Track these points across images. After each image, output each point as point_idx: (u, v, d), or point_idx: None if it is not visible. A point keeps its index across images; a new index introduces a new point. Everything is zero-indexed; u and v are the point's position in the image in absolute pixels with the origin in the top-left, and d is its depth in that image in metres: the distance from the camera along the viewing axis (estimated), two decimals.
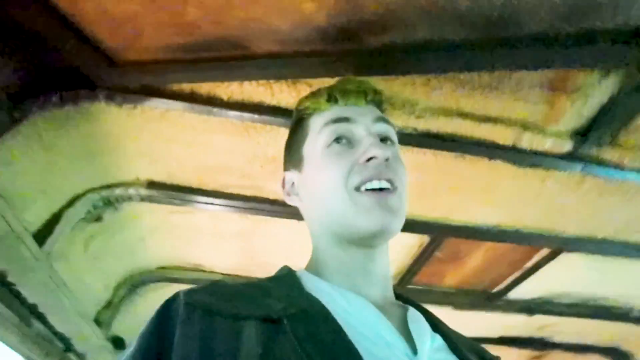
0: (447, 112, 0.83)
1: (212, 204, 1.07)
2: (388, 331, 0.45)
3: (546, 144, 0.89)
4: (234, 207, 1.08)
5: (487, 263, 1.40)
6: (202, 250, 1.35)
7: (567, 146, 0.89)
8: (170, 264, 1.43)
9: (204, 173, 1.01)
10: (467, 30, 0.66)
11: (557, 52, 0.69)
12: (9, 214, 0.70)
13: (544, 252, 1.30)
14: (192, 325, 0.41)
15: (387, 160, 0.52)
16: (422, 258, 1.31)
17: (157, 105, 0.82)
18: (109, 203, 1.03)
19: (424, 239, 1.26)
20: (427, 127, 0.86)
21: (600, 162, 0.93)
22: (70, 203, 0.92)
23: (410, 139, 0.87)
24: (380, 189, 0.51)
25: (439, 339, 0.49)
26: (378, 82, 0.78)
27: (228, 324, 0.41)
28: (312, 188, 0.57)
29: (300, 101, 0.62)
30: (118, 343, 1.41)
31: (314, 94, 0.61)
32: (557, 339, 1.90)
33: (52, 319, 0.92)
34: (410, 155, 0.91)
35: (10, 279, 0.74)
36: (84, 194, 0.95)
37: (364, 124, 0.55)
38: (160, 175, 1.02)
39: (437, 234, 1.19)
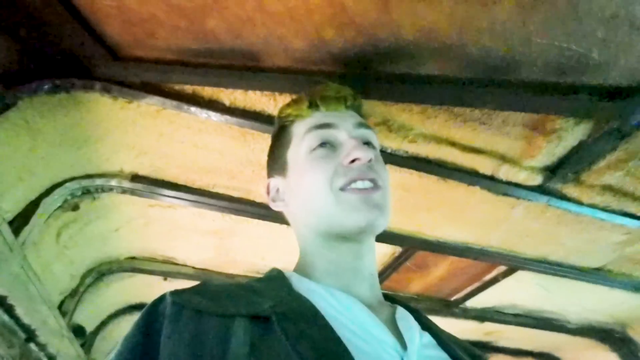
0: (438, 140, 0.88)
1: (196, 201, 1.06)
2: (377, 328, 0.45)
3: (520, 177, 0.97)
4: (217, 206, 1.08)
5: (450, 274, 1.50)
6: (177, 244, 1.33)
7: (537, 180, 0.98)
8: (140, 255, 1.40)
9: (192, 171, 1.00)
10: (468, 70, 0.71)
11: (544, 99, 0.76)
12: None
13: (502, 268, 1.42)
14: (180, 324, 0.40)
15: (369, 161, 0.53)
16: (393, 266, 1.37)
17: (154, 102, 0.80)
18: (87, 192, 1.00)
19: (397, 249, 1.32)
20: (417, 151, 0.91)
21: (563, 197, 1.02)
22: (49, 191, 0.88)
23: (400, 160, 0.92)
24: (365, 189, 0.52)
25: (427, 336, 0.49)
26: (378, 106, 0.82)
27: (216, 323, 0.40)
28: (298, 192, 0.57)
29: (282, 109, 0.62)
30: (78, 332, 1.36)
31: (295, 102, 0.61)
32: (501, 344, 2.07)
33: (20, 310, 0.88)
34: (398, 175, 0.96)
35: None
36: (63, 183, 0.91)
37: (345, 129, 0.56)
38: (146, 169, 0.99)
39: (410, 246, 1.26)
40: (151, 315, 0.42)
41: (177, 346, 0.38)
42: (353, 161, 0.53)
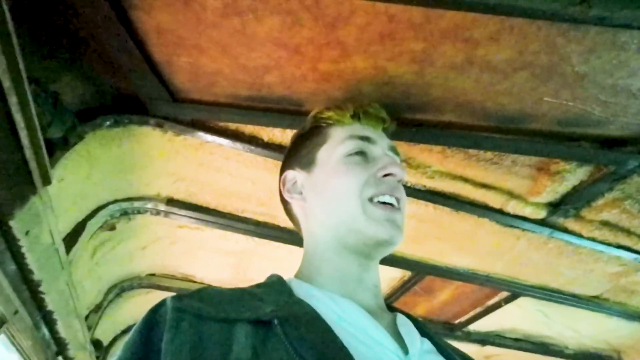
0: (453, 176, 0.97)
1: (224, 224, 1.13)
2: (379, 333, 0.46)
3: (526, 211, 1.05)
4: (244, 229, 1.15)
5: (454, 299, 1.57)
6: (198, 263, 1.39)
7: (541, 214, 1.07)
8: (160, 272, 1.45)
9: (224, 197, 1.08)
10: (485, 120, 0.80)
11: (550, 145, 0.85)
12: (54, 227, 0.73)
13: (504, 294, 1.49)
14: (181, 330, 0.40)
15: (399, 181, 0.58)
16: (402, 289, 1.44)
17: (200, 136, 0.88)
18: (125, 214, 1.07)
19: (406, 273, 1.39)
20: (434, 186, 1.00)
21: (564, 230, 1.11)
22: (94, 213, 0.95)
23: (418, 193, 1.00)
24: (390, 204, 0.55)
25: (427, 343, 0.50)
26: (401, 145, 0.91)
27: (218, 328, 0.40)
28: (324, 190, 0.58)
29: (322, 111, 0.65)
30: (97, 346, 1.40)
31: (339, 107, 0.64)
32: None
33: (60, 325, 0.93)
34: (415, 206, 1.04)
35: (41, 288, 0.77)
36: (107, 205, 0.98)
37: (381, 146, 0.61)
38: (181, 193, 1.07)
39: (420, 271, 1.33)
40: (151, 321, 0.42)
41: (178, 352, 0.38)
42: (386, 175, 0.56)
